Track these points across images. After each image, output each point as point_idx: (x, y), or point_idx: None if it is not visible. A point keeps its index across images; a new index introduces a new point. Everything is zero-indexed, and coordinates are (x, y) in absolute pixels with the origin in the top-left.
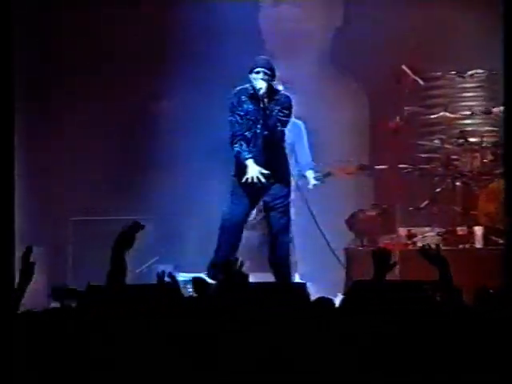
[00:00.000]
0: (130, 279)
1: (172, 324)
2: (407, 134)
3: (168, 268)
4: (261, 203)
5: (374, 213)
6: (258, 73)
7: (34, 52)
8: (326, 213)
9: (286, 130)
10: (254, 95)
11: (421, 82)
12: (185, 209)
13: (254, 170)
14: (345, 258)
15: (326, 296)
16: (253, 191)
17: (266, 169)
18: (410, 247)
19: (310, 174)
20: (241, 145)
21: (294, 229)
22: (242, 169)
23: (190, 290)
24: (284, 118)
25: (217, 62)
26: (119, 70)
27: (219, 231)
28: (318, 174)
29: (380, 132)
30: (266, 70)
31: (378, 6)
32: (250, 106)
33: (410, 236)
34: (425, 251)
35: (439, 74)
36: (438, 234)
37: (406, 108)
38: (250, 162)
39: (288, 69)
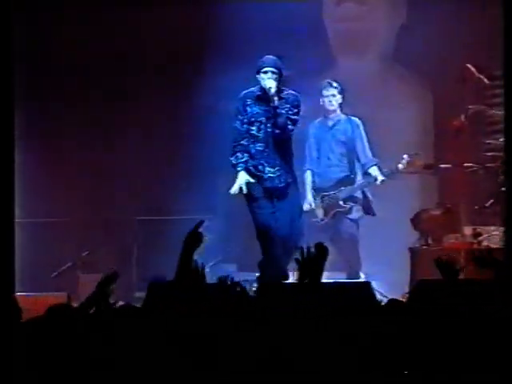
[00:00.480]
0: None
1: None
2: (472, 133)
3: (231, 268)
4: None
5: (438, 212)
6: (265, 72)
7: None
8: (391, 212)
9: (343, 128)
10: (260, 96)
11: (485, 81)
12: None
13: (239, 181)
14: (409, 258)
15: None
16: (265, 192)
17: (278, 167)
18: (475, 246)
19: (374, 171)
20: (236, 157)
21: (359, 228)
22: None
23: (254, 288)
24: (294, 117)
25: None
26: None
27: (266, 243)
28: (386, 170)
29: (444, 131)
30: (274, 69)
31: (442, 4)
32: (255, 108)
33: (476, 235)
34: (478, 259)
35: None
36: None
37: (470, 107)
38: (240, 174)
39: (351, 68)
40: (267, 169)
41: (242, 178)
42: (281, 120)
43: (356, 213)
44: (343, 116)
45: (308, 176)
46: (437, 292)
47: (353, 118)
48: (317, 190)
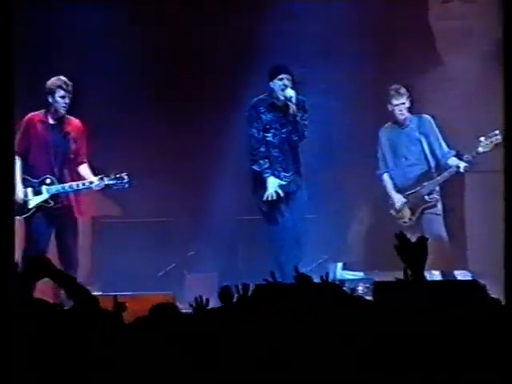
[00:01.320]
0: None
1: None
2: None
3: (337, 266)
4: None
5: None
6: (281, 79)
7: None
8: (497, 208)
9: (415, 126)
10: (273, 104)
11: None
12: (352, 206)
13: (272, 186)
14: None
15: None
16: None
17: (291, 172)
18: None
19: (454, 161)
20: (259, 164)
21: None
22: (260, 184)
23: (360, 288)
24: (306, 122)
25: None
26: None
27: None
28: (467, 156)
29: None
30: (289, 76)
31: None
32: (269, 116)
33: None
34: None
35: None
36: None
37: None
38: (270, 179)
39: (456, 67)
40: (282, 174)
41: (274, 182)
42: (299, 127)
43: (440, 207)
44: (412, 115)
45: (387, 179)
46: None
47: (423, 115)
48: (398, 191)
